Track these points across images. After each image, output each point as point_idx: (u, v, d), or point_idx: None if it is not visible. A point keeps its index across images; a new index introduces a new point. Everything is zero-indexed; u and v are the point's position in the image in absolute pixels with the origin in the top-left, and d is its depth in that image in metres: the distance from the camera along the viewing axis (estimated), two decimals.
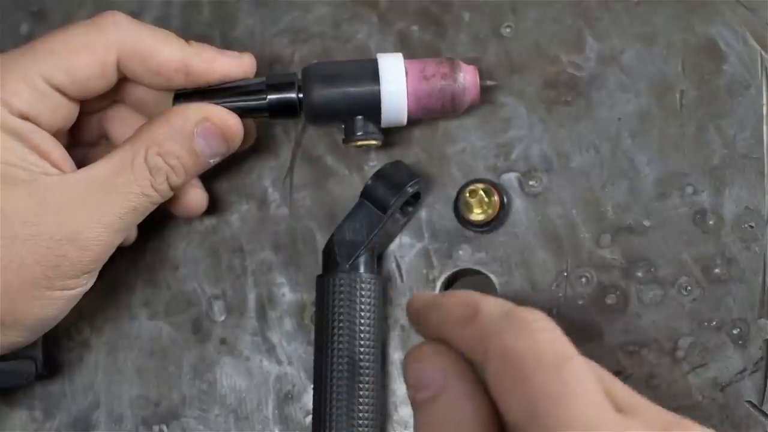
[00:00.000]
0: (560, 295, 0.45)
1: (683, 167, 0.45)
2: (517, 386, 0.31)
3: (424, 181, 0.46)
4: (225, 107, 0.42)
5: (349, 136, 0.44)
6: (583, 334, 0.44)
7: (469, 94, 0.45)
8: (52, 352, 0.47)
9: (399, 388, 0.46)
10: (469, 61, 0.47)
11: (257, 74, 0.44)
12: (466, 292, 0.36)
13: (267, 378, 0.47)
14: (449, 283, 0.47)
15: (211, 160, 0.42)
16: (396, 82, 0.44)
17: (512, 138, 0.47)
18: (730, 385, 0.43)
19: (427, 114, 0.45)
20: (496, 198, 0.45)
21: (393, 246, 0.47)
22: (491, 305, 0.34)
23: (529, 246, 0.46)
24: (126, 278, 0.48)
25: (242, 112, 0.43)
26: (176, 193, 0.43)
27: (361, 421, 0.42)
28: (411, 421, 0.45)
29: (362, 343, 0.43)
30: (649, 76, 0.47)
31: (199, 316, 0.48)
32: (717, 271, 0.44)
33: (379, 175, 0.45)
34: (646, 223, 0.45)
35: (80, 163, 0.41)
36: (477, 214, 0.46)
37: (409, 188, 0.44)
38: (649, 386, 0.43)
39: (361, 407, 0.42)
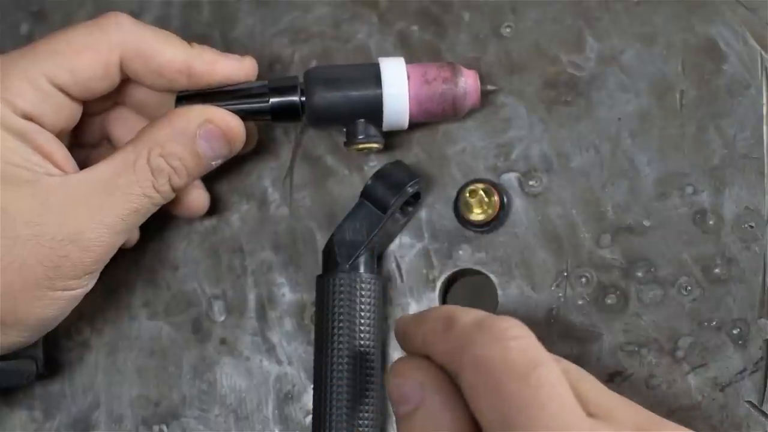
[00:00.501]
0: (560, 295, 0.45)
1: (683, 167, 0.45)
2: (489, 393, 0.32)
3: (424, 181, 0.46)
4: (227, 110, 0.42)
5: (351, 139, 0.44)
6: (584, 334, 0.44)
7: (469, 98, 0.45)
8: (52, 352, 0.47)
9: None
10: (469, 61, 0.47)
11: (258, 76, 0.44)
12: (446, 307, 0.37)
13: (267, 378, 0.47)
14: (449, 283, 0.47)
15: (213, 163, 0.43)
16: (398, 86, 0.44)
17: (512, 138, 0.47)
18: (730, 385, 0.43)
19: (429, 118, 0.45)
20: (496, 198, 0.45)
21: (393, 246, 0.47)
22: (466, 316, 0.34)
23: (529, 246, 0.46)
24: (126, 278, 0.48)
25: (244, 115, 0.43)
26: (178, 194, 0.43)
27: (361, 421, 0.42)
28: None
29: (362, 343, 0.43)
30: (649, 76, 0.47)
31: (199, 316, 0.48)
32: (717, 271, 0.44)
33: (379, 175, 0.45)
34: (646, 223, 0.45)
35: (82, 164, 0.41)
36: (477, 214, 0.46)
37: (409, 188, 0.44)
38: (649, 386, 0.43)
39: (361, 407, 0.42)
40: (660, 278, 0.44)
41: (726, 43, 0.46)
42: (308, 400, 0.46)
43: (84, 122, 0.44)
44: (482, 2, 0.49)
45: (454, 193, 0.46)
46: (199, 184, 0.46)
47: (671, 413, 0.43)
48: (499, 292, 0.45)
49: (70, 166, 0.40)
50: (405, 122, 0.45)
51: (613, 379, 0.44)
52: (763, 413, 0.42)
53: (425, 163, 0.47)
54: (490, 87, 0.47)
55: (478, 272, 0.46)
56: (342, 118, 0.44)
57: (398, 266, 0.47)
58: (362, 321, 0.43)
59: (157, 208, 0.42)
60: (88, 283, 0.41)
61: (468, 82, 0.45)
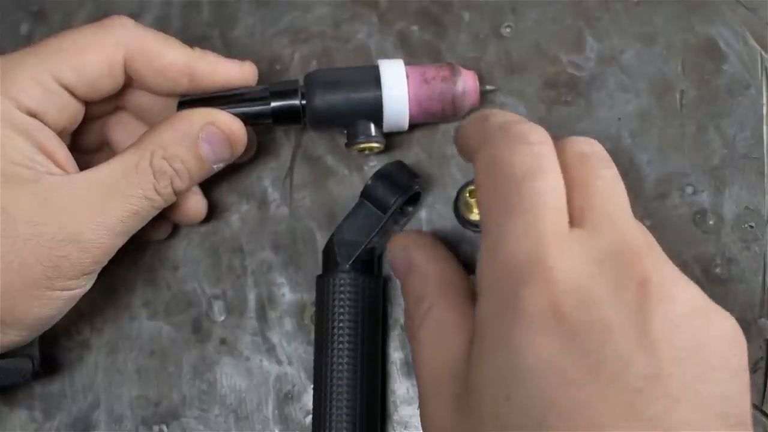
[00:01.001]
0: None
1: (683, 167, 0.45)
2: (487, 191, 0.34)
3: (424, 181, 0.46)
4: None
5: (352, 140, 0.44)
6: None
7: (469, 98, 0.45)
8: (52, 352, 0.47)
9: (399, 388, 0.46)
10: (469, 61, 0.47)
11: (258, 76, 0.44)
12: (489, 110, 0.39)
13: (267, 378, 0.47)
14: None
15: (215, 166, 0.43)
16: (398, 87, 0.44)
17: None
18: None
19: (429, 118, 0.45)
20: None
21: None
22: (498, 116, 0.37)
23: None
24: (126, 278, 0.48)
25: (246, 119, 0.43)
26: (177, 199, 0.43)
27: (361, 421, 0.42)
28: (411, 421, 0.45)
29: (362, 342, 0.43)
30: (649, 76, 0.47)
31: (199, 316, 0.48)
32: (717, 271, 0.44)
33: (379, 175, 0.45)
34: (647, 223, 0.45)
35: (82, 169, 0.41)
36: (477, 214, 0.45)
37: (409, 188, 0.44)
38: None
39: (361, 407, 0.42)
40: None
41: (726, 43, 0.46)
42: (308, 400, 0.46)
43: (84, 126, 0.44)
44: (482, 2, 0.49)
45: (454, 193, 0.46)
46: (197, 190, 0.46)
47: None
48: None
49: (70, 166, 0.40)
50: (405, 123, 0.45)
51: None
52: (763, 413, 0.42)
53: (425, 163, 0.47)
54: (489, 87, 0.47)
55: None
56: (343, 120, 0.44)
57: None
58: (362, 321, 0.43)
59: (158, 211, 0.42)
60: (87, 284, 0.41)
61: (467, 81, 0.45)
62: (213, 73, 0.43)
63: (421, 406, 0.37)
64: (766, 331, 0.43)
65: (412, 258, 0.40)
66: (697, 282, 0.43)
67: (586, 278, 0.31)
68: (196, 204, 0.46)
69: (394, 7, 0.49)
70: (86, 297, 0.42)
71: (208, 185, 0.47)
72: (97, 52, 0.41)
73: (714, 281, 0.44)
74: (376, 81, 0.44)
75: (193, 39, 0.44)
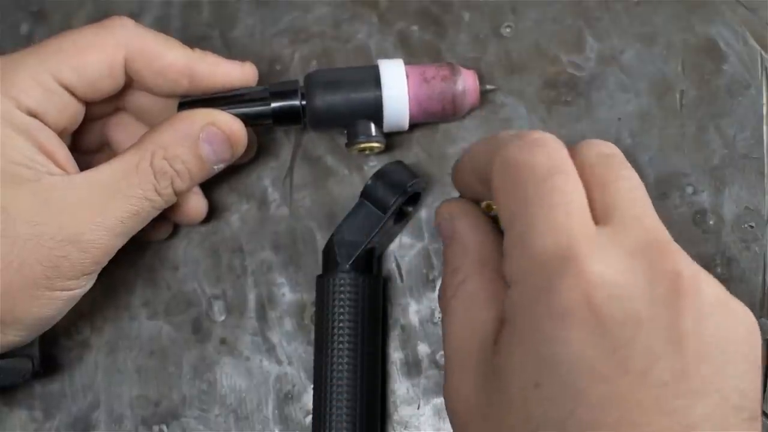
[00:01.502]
0: None
1: (683, 167, 0.45)
2: (509, 192, 0.35)
3: (424, 181, 0.46)
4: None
5: (352, 140, 0.44)
6: None
7: (469, 97, 0.45)
8: (52, 351, 0.47)
9: (399, 388, 0.46)
10: (469, 61, 0.47)
11: (258, 76, 0.44)
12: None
13: (267, 378, 0.47)
14: None
15: (215, 167, 0.43)
16: (398, 87, 0.44)
17: None
18: None
19: (429, 117, 0.45)
20: None
21: (393, 246, 0.47)
22: (506, 132, 0.39)
23: None
24: (126, 278, 0.48)
25: (246, 120, 0.43)
26: (178, 199, 0.43)
27: (361, 421, 0.42)
28: (411, 421, 0.45)
29: (362, 342, 0.43)
30: (649, 76, 0.47)
31: (199, 316, 0.48)
32: (717, 271, 0.44)
33: (379, 175, 0.45)
34: None
35: (82, 169, 0.41)
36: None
37: (409, 188, 0.44)
38: None
39: (361, 407, 0.42)
40: None
41: (726, 43, 0.46)
42: (308, 400, 0.46)
43: (84, 127, 0.44)
44: (482, 2, 0.49)
45: (453, 193, 0.46)
46: (197, 190, 0.46)
47: None
48: None
49: (70, 167, 0.40)
50: (405, 123, 0.45)
51: None
52: (763, 413, 0.42)
53: (425, 163, 0.47)
54: (488, 86, 0.47)
55: None
56: (343, 121, 0.44)
57: (398, 266, 0.47)
58: (362, 321, 0.43)
59: (158, 212, 0.42)
60: (86, 284, 0.41)
61: (467, 80, 0.45)
62: (213, 73, 0.43)
63: (446, 376, 0.37)
64: (766, 331, 0.43)
65: (455, 227, 0.40)
66: None
67: (619, 273, 0.32)
68: (196, 204, 0.46)
69: (394, 7, 0.49)
70: (86, 297, 0.42)
71: (209, 185, 0.47)
72: (97, 53, 0.41)
73: None
74: (376, 81, 0.44)
75: (193, 39, 0.44)
